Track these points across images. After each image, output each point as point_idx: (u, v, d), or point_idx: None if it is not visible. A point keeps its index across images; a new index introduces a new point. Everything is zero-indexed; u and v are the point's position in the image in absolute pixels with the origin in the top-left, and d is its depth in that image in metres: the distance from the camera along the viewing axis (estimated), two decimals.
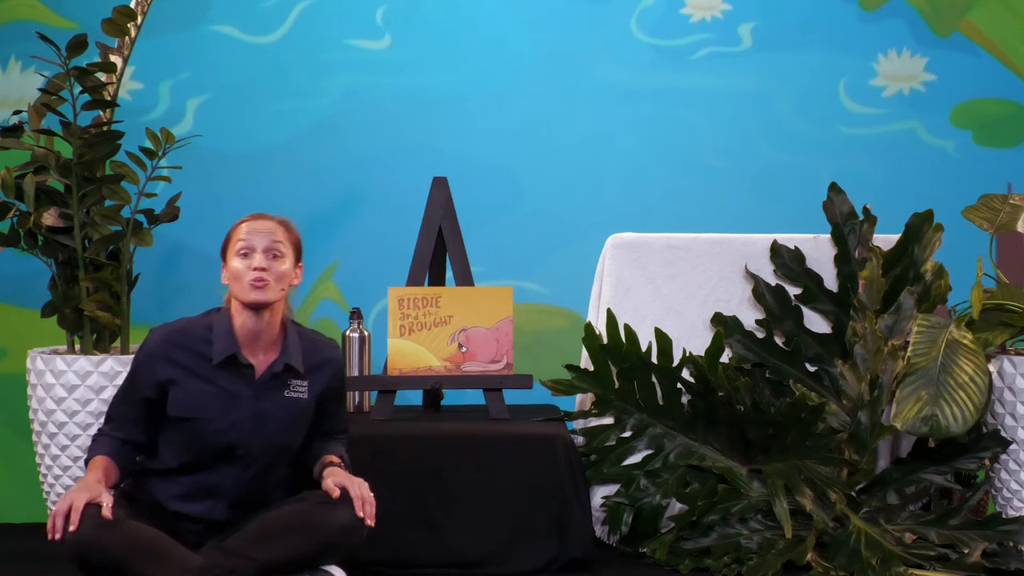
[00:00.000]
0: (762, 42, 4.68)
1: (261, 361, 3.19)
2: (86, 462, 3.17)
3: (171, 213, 3.99)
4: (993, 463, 3.82)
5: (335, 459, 3.26)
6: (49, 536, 2.94)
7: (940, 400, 3.68)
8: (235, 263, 3.15)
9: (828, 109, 4.69)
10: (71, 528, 2.93)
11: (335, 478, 3.16)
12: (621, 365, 3.92)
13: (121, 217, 3.90)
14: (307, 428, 3.28)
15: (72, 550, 2.95)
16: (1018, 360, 3.76)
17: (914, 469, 3.85)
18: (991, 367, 3.78)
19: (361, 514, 3.11)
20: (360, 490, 3.13)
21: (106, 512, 2.95)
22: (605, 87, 4.66)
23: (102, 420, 3.37)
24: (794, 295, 4.03)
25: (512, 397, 3.99)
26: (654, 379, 3.93)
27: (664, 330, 3.92)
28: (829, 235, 4.06)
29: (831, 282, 4.04)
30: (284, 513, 3.18)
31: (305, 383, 3.23)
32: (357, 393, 4.05)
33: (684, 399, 3.94)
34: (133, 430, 3.20)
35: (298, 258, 3.23)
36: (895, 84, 4.71)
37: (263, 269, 3.12)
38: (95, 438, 3.21)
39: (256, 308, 3.16)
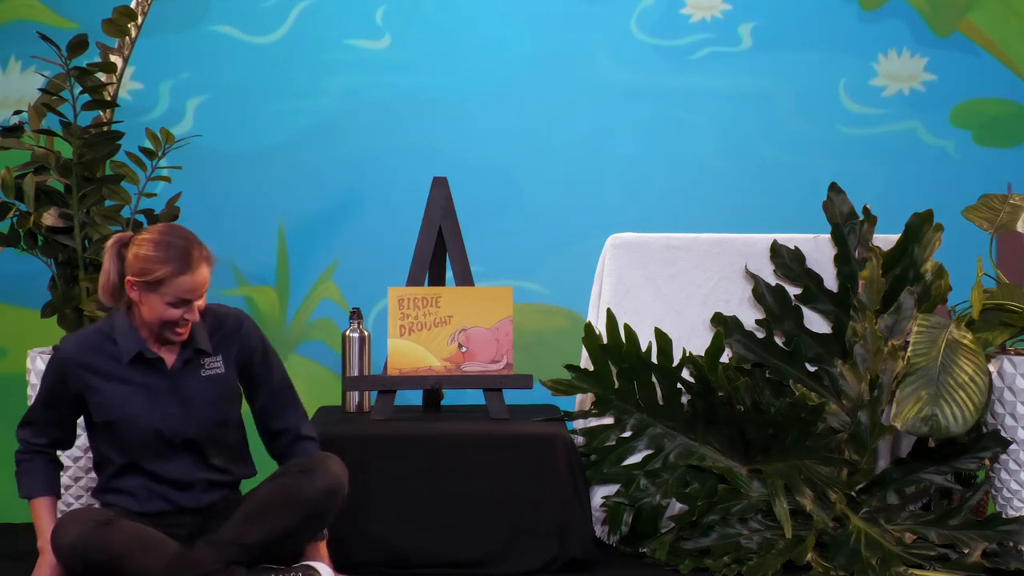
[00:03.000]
0: (762, 42, 4.68)
1: (169, 352, 3.20)
2: (24, 495, 3.23)
3: (171, 213, 3.99)
4: (993, 463, 3.82)
5: None
6: None
7: (940, 400, 3.68)
8: (160, 308, 3.10)
9: (828, 109, 4.69)
10: None
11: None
12: (621, 365, 3.92)
13: (121, 217, 3.90)
14: (239, 397, 3.28)
15: (72, 553, 2.96)
16: (1018, 360, 3.76)
17: (914, 469, 3.85)
18: (991, 367, 3.78)
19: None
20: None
21: None
22: (605, 87, 4.66)
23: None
24: (794, 295, 4.03)
25: (512, 397, 3.99)
26: (654, 379, 3.93)
27: (664, 330, 3.92)
28: (829, 235, 4.06)
29: (831, 282, 4.04)
30: (264, 492, 3.19)
31: (218, 358, 3.23)
32: (357, 393, 4.05)
33: (684, 399, 3.94)
34: (55, 431, 3.25)
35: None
36: (895, 84, 4.71)
37: (188, 323, 3.13)
38: (25, 460, 3.24)
39: None
